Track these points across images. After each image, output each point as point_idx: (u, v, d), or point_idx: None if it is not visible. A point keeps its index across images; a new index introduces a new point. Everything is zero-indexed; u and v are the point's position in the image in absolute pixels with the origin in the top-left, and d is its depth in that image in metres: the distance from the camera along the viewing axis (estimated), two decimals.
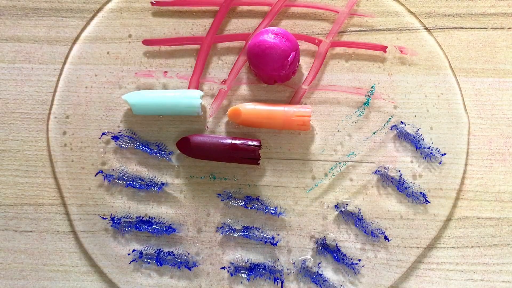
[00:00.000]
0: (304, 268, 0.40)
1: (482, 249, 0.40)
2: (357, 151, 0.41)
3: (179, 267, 0.41)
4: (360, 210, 0.41)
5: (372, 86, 0.42)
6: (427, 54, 0.42)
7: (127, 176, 0.41)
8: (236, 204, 0.41)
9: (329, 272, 0.40)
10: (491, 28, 0.42)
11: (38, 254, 0.41)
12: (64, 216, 0.41)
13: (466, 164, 0.41)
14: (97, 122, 0.42)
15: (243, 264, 0.41)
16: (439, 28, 0.42)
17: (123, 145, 0.41)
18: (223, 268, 0.41)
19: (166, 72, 0.42)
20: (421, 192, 0.40)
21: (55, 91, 0.42)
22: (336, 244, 0.41)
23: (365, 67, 0.42)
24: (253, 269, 0.40)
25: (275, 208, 0.41)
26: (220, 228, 0.41)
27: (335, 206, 0.41)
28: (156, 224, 0.41)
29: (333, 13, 0.42)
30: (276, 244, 0.40)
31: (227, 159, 0.40)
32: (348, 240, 0.41)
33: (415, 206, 0.41)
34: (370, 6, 0.42)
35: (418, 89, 0.41)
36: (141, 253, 0.41)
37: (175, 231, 0.41)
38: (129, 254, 0.41)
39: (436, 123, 0.41)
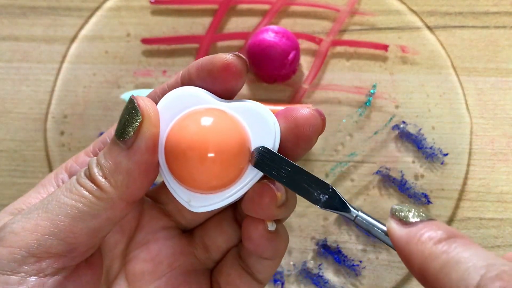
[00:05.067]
0: (304, 269, 0.40)
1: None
2: (358, 151, 0.41)
3: None
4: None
5: (374, 86, 0.41)
6: (429, 53, 0.41)
7: None
8: None
9: (330, 273, 0.40)
10: (494, 27, 0.42)
11: None
12: None
13: (468, 165, 0.41)
14: (95, 122, 0.41)
15: None
16: (441, 27, 0.42)
17: None
18: None
19: (165, 71, 0.42)
20: (423, 193, 0.40)
21: (53, 90, 0.42)
22: (337, 245, 0.40)
23: (366, 66, 0.41)
24: None
25: None
26: None
27: None
28: None
29: (334, 11, 0.42)
30: None
31: None
32: (349, 241, 0.40)
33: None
34: (371, 5, 0.42)
35: (420, 88, 0.41)
36: None
37: None
38: None
39: (438, 123, 0.41)
